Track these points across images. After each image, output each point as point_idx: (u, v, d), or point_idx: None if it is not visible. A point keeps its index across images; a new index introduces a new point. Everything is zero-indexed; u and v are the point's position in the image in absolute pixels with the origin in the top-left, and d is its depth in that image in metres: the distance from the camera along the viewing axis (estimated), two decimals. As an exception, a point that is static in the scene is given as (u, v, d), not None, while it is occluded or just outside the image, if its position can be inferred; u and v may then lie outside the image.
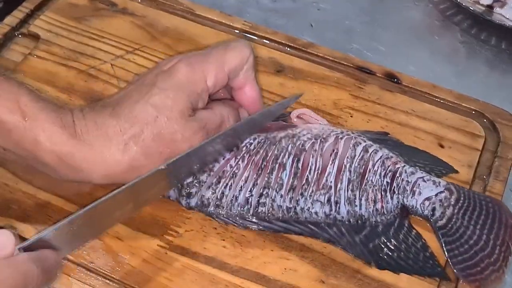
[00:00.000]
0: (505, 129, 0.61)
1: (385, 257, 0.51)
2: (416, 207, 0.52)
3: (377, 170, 0.53)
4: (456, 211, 0.52)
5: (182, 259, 0.51)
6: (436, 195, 0.52)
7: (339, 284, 0.50)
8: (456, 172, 0.57)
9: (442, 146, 0.60)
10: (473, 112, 0.63)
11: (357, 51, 0.74)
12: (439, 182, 0.53)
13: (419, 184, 0.53)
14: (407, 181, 0.53)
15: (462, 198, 0.53)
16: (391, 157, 0.54)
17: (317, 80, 0.64)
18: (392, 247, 0.51)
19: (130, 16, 0.68)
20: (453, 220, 0.52)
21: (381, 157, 0.54)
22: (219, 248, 0.52)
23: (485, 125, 0.62)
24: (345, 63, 0.66)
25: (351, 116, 0.61)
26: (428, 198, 0.52)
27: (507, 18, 0.75)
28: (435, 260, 0.51)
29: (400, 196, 0.53)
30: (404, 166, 0.54)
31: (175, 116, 0.50)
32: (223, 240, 0.52)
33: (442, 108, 0.63)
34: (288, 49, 0.67)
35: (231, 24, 0.68)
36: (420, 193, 0.52)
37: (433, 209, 0.52)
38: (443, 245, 0.51)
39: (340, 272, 0.51)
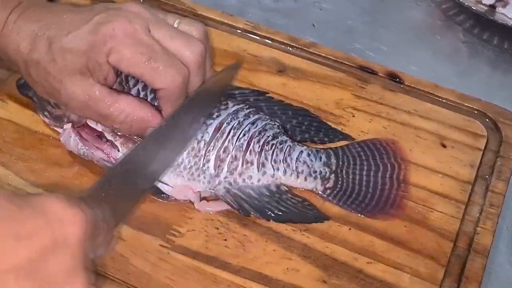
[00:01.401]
0: (507, 129, 0.61)
1: (272, 214, 0.53)
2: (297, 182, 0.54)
3: (260, 143, 0.55)
4: (339, 171, 0.55)
5: (184, 259, 0.51)
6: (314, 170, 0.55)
7: (341, 284, 0.50)
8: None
9: (444, 146, 0.59)
10: (475, 112, 0.62)
11: (359, 51, 0.74)
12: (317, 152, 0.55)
13: (298, 160, 0.55)
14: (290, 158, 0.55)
15: (343, 157, 0.56)
16: (270, 129, 0.56)
17: (319, 80, 0.64)
18: (277, 205, 0.53)
19: (132, 16, 0.68)
20: (339, 180, 0.54)
21: (261, 130, 0.55)
22: (221, 248, 0.52)
23: (487, 125, 0.62)
24: (347, 63, 0.65)
25: (353, 116, 0.61)
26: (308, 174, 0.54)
27: (510, 18, 0.75)
28: (313, 209, 0.54)
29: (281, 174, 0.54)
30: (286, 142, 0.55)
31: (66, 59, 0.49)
32: (225, 240, 0.52)
33: (444, 108, 0.62)
34: (290, 49, 0.67)
35: (233, 24, 0.68)
36: (300, 171, 0.54)
37: (316, 181, 0.54)
38: (337, 202, 0.54)
39: (342, 272, 0.51)
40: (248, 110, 0.56)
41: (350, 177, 0.55)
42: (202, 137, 0.54)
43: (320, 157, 0.55)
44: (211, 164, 0.53)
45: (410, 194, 0.56)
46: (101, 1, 0.69)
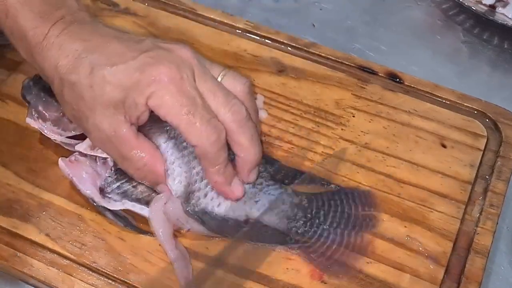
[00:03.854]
0: (507, 129, 0.61)
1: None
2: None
3: None
4: (309, 216, 0.53)
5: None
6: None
7: (340, 284, 0.50)
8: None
9: (444, 146, 0.60)
10: (475, 111, 0.62)
11: (359, 51, 0.74)
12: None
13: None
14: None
15: (315, 202, 0.54)
16: None
17: (319, 80, 0.64)
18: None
19: (132, 16, 0.68)
20: (305, 225, 0.53)
21: None
22: (221, 248, 0.52)
23: (488, 125, 0.62)
24: (347, 63, 0.65)
25: (353, 116, 0.61)
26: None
27: (510, 18, 0.75)
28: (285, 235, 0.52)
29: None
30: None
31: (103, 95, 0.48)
32: (224, 240, 0.52)
33: (444, 108, 0.63)
34: (290, 49, 0.67)
35: (233, 24, 0.68)
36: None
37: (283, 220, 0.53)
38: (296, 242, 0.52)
39: (342, 272, 0.51)
40: None
41: (320, 225, 0.53)
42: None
43: (293, 199, 0.54)
44: (194, 182, 0.52)
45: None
46: (103, 1, 0.69)
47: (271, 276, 0.51)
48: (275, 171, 0.56)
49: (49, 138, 0.56)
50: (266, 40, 0.67)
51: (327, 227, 0.53)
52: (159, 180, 0.51)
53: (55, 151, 0.56)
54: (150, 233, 0.52)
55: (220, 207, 0.52)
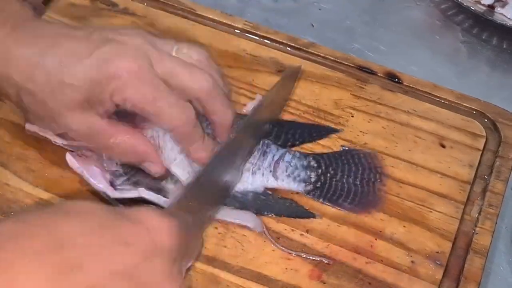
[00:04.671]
0: (506, 129, 0.61)
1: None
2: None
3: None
4: (321, 174, 0.56)
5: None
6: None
7: (340, 284, 0.50)
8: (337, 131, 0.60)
9: (443, 146, 0.60)
10: (474, 112, 0.62)
11: (358, 51, 0.74)
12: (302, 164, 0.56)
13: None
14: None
15: (325, 161, 0.57)
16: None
17: (318, 80, 0.64)
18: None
19: (131, 16, 0.68)
20: (321, 182, 0.56)
21: None
22: (220, 248, 0.52)
23: (486, 125, 0.62)
24: (346, 63, 0.65)
25: (352, 116, 0.61)
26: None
27: (508, 18, 0.75)
28: (302, 207, 0.54)
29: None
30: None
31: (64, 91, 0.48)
32: (224, 240, 0.52)
33: (443, 108, 0.63)
34: (289, 49, 0.67)
35: (232, 24, 0.68)
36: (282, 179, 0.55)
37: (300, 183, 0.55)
38: (320, 200, 0.55)
39: (341, 271, 0.51)
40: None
41: (332, 179, 0.56)
42: None
43: (303, 161, 0.56)
44: None
45: (390, 189, 0.56)
46: (102, 1, 0.69)
47: (270, 276, 0.50)
48: (277, 133, 0.58)
49: (48, 138, 0.55)
50: (265, 40, 0.67)
51: (339, 179, 0.56)
52: (146, 158, 0.51)
53: (53, 151, 0.56)
54: None
55: (238, 184, 0.54)
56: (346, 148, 0.58)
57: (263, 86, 0.62)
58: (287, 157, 0.56)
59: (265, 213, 0.54)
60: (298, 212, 0.54)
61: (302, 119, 0.60)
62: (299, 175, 0.55)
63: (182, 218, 0.43)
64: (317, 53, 0.66)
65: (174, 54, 0.51)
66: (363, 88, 0.64)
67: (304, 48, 0.66)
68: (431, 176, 0.57)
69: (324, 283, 0.50)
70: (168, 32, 0.67)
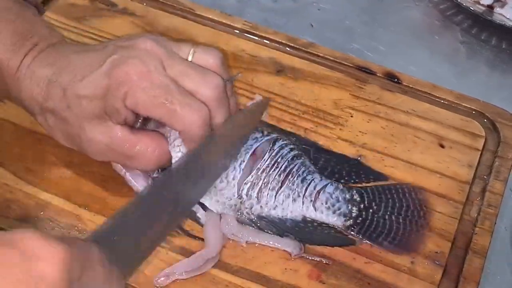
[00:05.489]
0: (505, 129, 0.61)
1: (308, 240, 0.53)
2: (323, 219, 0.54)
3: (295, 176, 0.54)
4: (364, 210, 0.54)
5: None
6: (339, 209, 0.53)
7: (339, 284, 0.51)
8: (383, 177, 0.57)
9: (442, 146, 0.60)
10: (474, 112, 0.63)
11: (357, 51, 0.74)
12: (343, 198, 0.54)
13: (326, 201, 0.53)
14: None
15: (368, 197, 0.54)
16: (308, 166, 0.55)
17: (317, 80, 0.64)
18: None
19: (130, 16, 0.68)
20: (363, 218, 0.54)
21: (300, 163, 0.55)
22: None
23: (486, 125, 0.62)
24: (345, 63, 0.65)
25: (351, 116, 0.61)
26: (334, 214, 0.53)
27: (508, 18, 0.75)
28: (343, 234, 0.53)
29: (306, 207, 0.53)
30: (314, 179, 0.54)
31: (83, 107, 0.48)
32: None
33: (443, 108, 0.63)
34: (289, 49, 0.67)
35: (232, 24, 0.68)
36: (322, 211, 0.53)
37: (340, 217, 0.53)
38: (360, 236, 0.53)
39: (340, 272, 0.51)
40: (283, 142, 0.55)
41: (374, 215, 0.54)
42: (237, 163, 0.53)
43: (345, 194, 0.54)
44: (239, 191, 0.53)
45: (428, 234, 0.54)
46: (101, 1, 0.69)
47: (270, 276, 0.50)
48: (323, 165, 0.56)
49: (47, 138, 0.55)
50: (265, 40, 0.67)
51: (381, 215, 0.54)
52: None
53: (53, 151, 0.56)
54: (199, 238, 0.52)
55: (277, 209, 0.53)
56: (389, 183, 0.56)
57: (262, 86, 0.62)
58: (329, 188, 0.54)
59: (303, 240, 0.52)
60: (338, 240, 0.53)
61: (301, 119, 0.60)
62: (339, 208, 0.53)
63: (87, 252, 0.36)
64: (316, 53, 0.66)
65: (190, 57, 0.50)
66: (362, 88, 0.64)
67: (303, 48, 0.66)
68: (430, 176, 0.57)
69: (324, 283, 0.50)
70: (167, 32, 0.67)
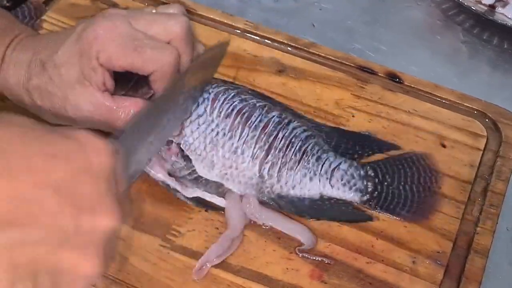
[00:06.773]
0: (507, 129, 0.61)
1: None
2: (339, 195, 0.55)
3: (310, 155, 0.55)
4: (378, 184, 0.55)
5: (184, 259, 0.51)
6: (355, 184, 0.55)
7: (341, 284, 0.50)
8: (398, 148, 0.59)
9: (444, 146, 0.59)
10: (475, 112, 0.62)
11: (359, 51, 0.74)
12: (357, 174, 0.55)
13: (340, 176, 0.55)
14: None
15: (382, 170, 0.56)
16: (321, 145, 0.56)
17: (319, 80, 0.64)
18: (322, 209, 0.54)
19: (132, 16, 0.68)
20: (378, 191, 0.55)
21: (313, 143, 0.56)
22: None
23: (487, 125, 0.61)
24: (347, 63, 0.65)
25: (353, 116, 0.61)
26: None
27: (509, 18, 0.75)
28: (359, 210, 0.55)
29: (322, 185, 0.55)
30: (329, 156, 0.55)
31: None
32: (225, 240, 0.52)
33: (444, 108, 0.62)
34: (290, 49, 0.67)
35: (233, 24, 0.68)
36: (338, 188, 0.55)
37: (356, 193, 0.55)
38: (378, 209, 0.54)
39: (342, 271, 0.51)
40: (296, 123, 0.57)
41: (389, 187, 0.55)
42: (252, 144, 0.54)
43: (360, 171, 0.55)
44: (260, 170, 0.54)
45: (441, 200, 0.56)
46: (102, 1, 0.69)
47: (271, 276, 0.51)
48: (336, 143, 0.58)
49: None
50: (266, 40, 0.67)
51: (396, 187, 0.55)
52: None
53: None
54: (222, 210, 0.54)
55: (295, 188, 0.54)
56: (398, 154, 0.58)
57: (264, 86, 0.62)
58: (343, 165, 0.55)
59: (321, 218, 0.54)
60: (355, 216, 0.54)
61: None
62: (355, 184, 0.55)
63: (122, 150, 0.41)
64: (317, 53, 0.66)
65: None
66: (364, 88, 0.64)
67: (305, 48, 0.66)
68: (432, 176, 0.57)
69: (325, 283, 0.50)
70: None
